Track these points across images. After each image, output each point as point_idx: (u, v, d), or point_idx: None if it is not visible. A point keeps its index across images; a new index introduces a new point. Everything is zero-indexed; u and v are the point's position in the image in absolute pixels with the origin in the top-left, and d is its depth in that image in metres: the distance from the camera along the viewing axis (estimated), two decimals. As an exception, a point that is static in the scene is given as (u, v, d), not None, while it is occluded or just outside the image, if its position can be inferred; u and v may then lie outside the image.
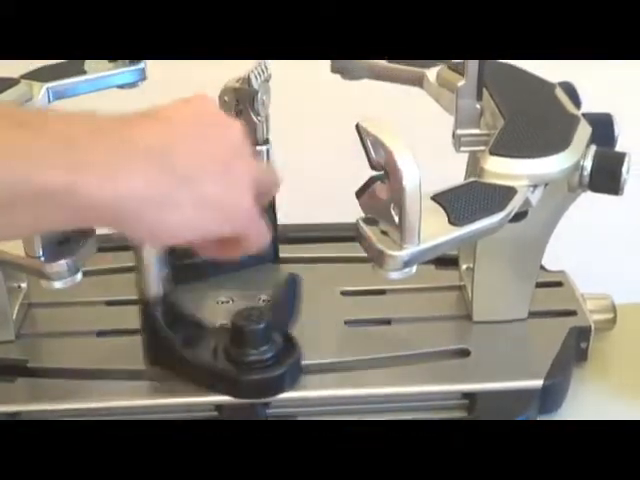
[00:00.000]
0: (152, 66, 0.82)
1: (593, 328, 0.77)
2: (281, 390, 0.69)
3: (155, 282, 0.69)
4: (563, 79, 0.77)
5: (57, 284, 0.60)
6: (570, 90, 0.76)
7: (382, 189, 0.59)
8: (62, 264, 0.60)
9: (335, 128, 0.75)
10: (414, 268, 0.60)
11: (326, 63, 0.83)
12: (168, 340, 0.69)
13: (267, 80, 0.79)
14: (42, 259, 0.60)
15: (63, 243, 0.60)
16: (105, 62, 0.82)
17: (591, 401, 0.75)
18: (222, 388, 0.69)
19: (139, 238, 0.55)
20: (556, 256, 0.80)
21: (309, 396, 0.71)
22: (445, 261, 0.83)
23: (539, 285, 0.79)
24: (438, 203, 0.62)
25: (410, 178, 0.56)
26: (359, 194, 0.60)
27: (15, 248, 0.60)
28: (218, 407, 0.70)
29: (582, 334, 0.76)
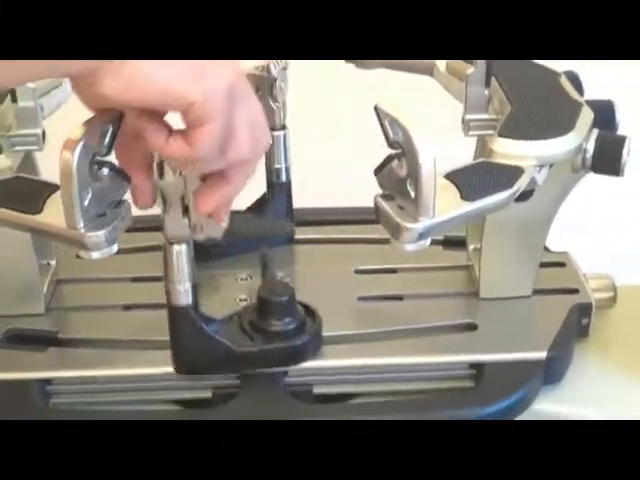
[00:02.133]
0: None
1: (594, 305, 0.80)
2: (303, 359, 0.73)
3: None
4: (568, 68, 0.81)
5: (95, 254, 0.64)
6: (574, 79, 0.80)
7: (399, 166, 0.63)
8: (100, 235, 0.63)
9: (349, 115, 0.79)
10: (428, 241, 0.64)
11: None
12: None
13: (284, 68, 0.83)
14: (82, 230, 0.63)
15: (101, 216, 0.64)
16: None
17: (592, 373, 0.78)
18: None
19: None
20: (560, 238, 0.84)
21: (325, 365, 0.74)
22: (453, 242, 0.86)
23: (543, 265, 0.82)
24: (451, 181, 0.66)
25: (426, 155, 0.60)
26: (377, 171, 0.64)
27: (57, 220, 0.64)
28: (240, 376, 0.73)
29: (584, 311, 0.79)
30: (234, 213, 0.89)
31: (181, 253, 0.69)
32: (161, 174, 0.64)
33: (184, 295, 0.70)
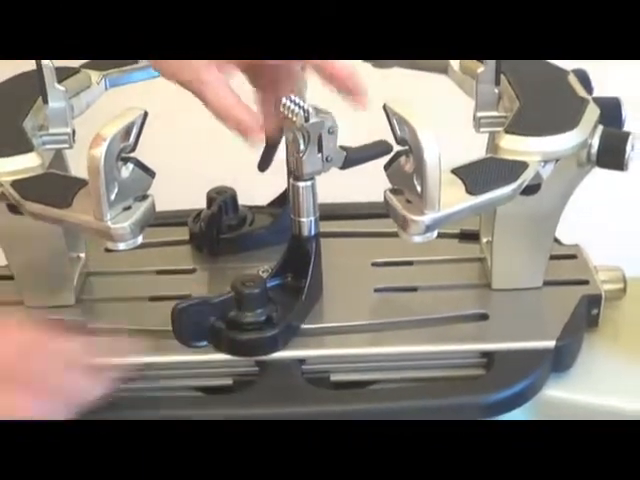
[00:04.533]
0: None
1: (604, 296, 0.81)
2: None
3: None
4: (577, 66, 0.83)
5: (120, 245, 0.67)
6: (583, 77, 0.82)
7: (406, 162, 0.66)
8: (126, 227, 0.67)
9: (364, 113, 0.81)
10: (435, 233, 0.67)
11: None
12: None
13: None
14: (109, 222, 0.67)
15: (126, 209, 0.68)
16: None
17: (600, 362, 0.79)
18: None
19: None
20: (571, 231, 0.85)
21: (342, 354, 0.77)
22: (468, 235, 0.88)
23: (555, 257, 0.83)
24: (457, 175, 0.68)
25: (431, 151, 0.63)
26: (386, 167, 0.67)
27: (85, 213, 0.68)
28: (259, 363, 0.76)
29: (593, 301, 0.80)
30: (256, 208, 0.94)
31: (309, 188, 0.75)
32: (307, 119, 0.71)
33: (312, 226, 0.78)
